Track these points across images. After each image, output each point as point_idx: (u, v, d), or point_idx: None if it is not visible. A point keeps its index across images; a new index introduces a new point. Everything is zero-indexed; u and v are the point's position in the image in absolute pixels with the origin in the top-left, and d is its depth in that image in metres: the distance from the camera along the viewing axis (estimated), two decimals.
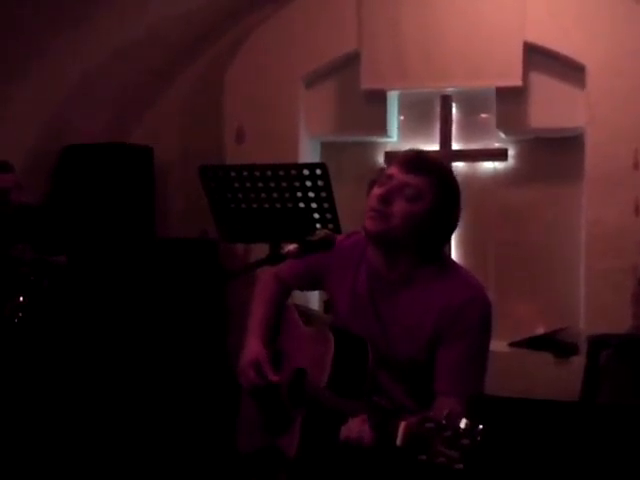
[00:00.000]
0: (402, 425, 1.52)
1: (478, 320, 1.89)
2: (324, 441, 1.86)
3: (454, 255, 5.06)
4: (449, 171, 1.97)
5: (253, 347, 2.13)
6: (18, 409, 3.56)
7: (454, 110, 5.13)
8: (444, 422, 1.46)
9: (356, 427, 1.68)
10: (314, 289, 2.26)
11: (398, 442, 1.51)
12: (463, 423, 1.44)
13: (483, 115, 5.11)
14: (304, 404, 1.94)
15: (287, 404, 2.01)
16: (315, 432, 1.89)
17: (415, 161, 1.89)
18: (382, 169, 2.00)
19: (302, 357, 2.04)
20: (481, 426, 1.44)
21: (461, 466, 1.43)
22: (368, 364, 1.90)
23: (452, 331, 1.86)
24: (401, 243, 1.90)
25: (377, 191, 1.88)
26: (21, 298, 3.65)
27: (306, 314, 2.23)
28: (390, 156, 4.98)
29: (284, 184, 3.60)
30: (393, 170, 1.89)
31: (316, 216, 3.62)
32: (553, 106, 4.81)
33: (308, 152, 5.23)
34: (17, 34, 4.35)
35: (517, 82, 4.73)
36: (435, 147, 5.10)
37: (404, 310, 1.93)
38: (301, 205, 3.61)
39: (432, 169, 1.89)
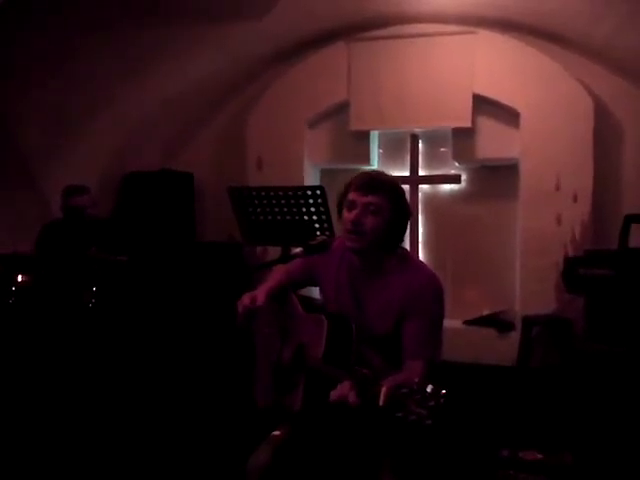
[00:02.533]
0: (383, 390, 1.51)
1: (433, 299, 1.89)
2: (322, 399, 1.85)
3: (422, 255, 5.11)
4: (397, 184, 1.94)
5: (257, 292, 2.08)
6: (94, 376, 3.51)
7: (420, 145, 5.14)
8: (415, 387, 1.47)
9: (343, 390, 1.67)
10: (310, 285, 2.21)
11: (380, 402, 1.51)
12: (429, 388, 1.46)
13: (442, 149, 5.09)
14: (304, 371, 1.93)
15: (291, 370, 2.00)
16: (314, 392, 1.88)
17: (370, 183, 1.87)
18: (342, 194, 1.94)
19: (302, 334, 2.03)
20: (444, 391, 1.45)
21: (429, 422, 1.44)
22: (352, 341, 1.89)
23: (413, 309, 1.86)
24: (372, 246, 1.90)
25: (349, 216, 1.87)
26: (94, 288, 3.66)
27: (305, 301, 2.21)
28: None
29: (292, 201, 3.57)
30: (354, 196, 1.87)
31: (316, 226, 3.61)
32: (495, 142, 4.81)
33: (310, 177, 5.23)
34: (88, 87, 4.37)
35: (468, 124, 4.75)
36: (406, 173, 5.13)
37: (375, 294, 1.94)
38: (305, 217, 3.59)
39: (384, 187, 1.88)
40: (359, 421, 1.84)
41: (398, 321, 1.89)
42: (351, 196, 1.88)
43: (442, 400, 1.45)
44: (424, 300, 1.87)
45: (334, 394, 1.70)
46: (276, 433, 1.97)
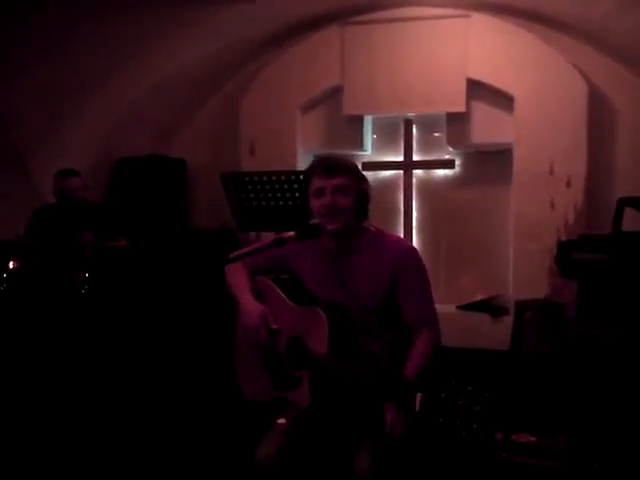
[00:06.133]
0: (418, 395, 1.51)
1: (416, 263, 1.94)
2: (332, 393, 1.85)
3: (415, 240, 5.10)
4: (351, 162, 1.99)
5: (254, 307, 2.02)
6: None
7: (414, 130, 5.13)
8: (454, 390, 1.46)
9: (394, 417, 1.68)
10: (275, 273, 2.17)
11: (417, 408, 1.51)
12: (469, 391, 1.45)
13: (436, 134, 5.09)
14: (306, 367, 1.88)
15: (288, 368, 1.95)
16: (323, 386, 1.86)
17: (332, 166, 1.91)
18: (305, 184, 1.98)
19: (294, 328, 1.97)
20: (487, 394, 1.44)
21: (475, 426, 1.42)
22: (354, 334, 1.87)
23: (401, 277, 1.90)
24: (348, 225, 1.93)
25: (322, 202, 1.89)
26: (87, 274, 3.63)
27: (287, 286, 2.13)
28: (366, 165, 4.99)
29: (285, 186, 3.54)
30: (321, 182, 1.90)
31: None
32: (489, 127, 4.80)
33: (303, 162, 5.15)
34: (79, 72, 4.34)
35: (462, 109, 4.73)
36: (400, 158, 5.12)
37: (357, 273, 1.95)
38: (298, 202, 3.58)
39: (345, 168, 1.93)
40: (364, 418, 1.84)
41: (386, 294, 1.91)
42: (317, 183, 1.91)
43: (486, 403, 1.43)
44: (410, 267, 1.93)
45: (390, 425, 1.69)
46: (281, 421, 1.94)
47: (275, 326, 1.99)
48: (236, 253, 1.99)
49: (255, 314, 2.00)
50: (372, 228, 2.02)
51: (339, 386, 1.78)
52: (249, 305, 2.03)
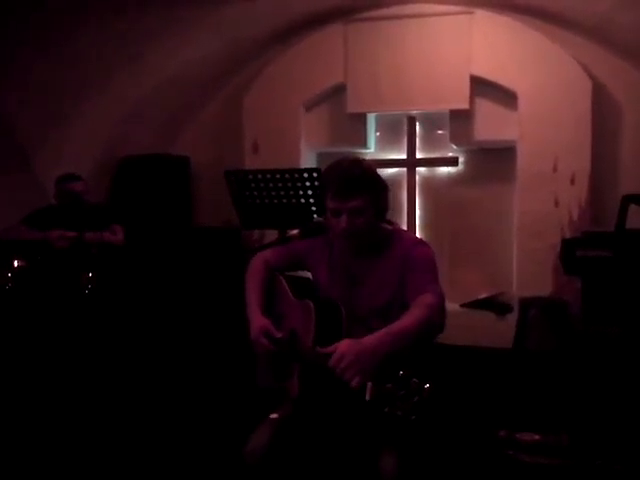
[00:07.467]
0: (369, 385, 1.52)
1: (423, 252, 1.92)
2: (316, 384, 1.87)
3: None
4: (369, 173, 1.90)
5: (258, 320, 2.04)
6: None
7: (417, 127, 5.12)
8: (400, 381, 1.47)
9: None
10: (295, 270, 2.17)
11: (367, 397, 1.52)
12: (413, 382, 1.46)
13: (439, 131, 5.07)
14: (298, 358, 1.92)
15: (286, 356, 1.99)
16: (309, 378, 1.89)
17: (347, 188, 1.84)
18: (322, 190, 1.94)
19: (294, 320, 2.01)
20: (427, 385, 1.45)
21: (413, 417, 1.45)
22: (342, 326, 1.87)
23: (409, 264, 1.88)
24: (366, 233, 1.93)
25: (338, 223, 1.87)
26: (90, 274, 3.63)
27: (294, 282, 2.17)
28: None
29: (289, 184, 3.53)
30: (335, 204, 1.85)
31: (313, 209, 3.60)
32: (493, 124, 4.79)
33: (307, 160, 5.19)
34: (83, 72, 4.35)
35: (465, 106, 4.72)
36: (403, 156, 5.11)
37: (371, 272, 1.96)
38: (302, 200, 3.58)
39: (361, 188, 1.85)
40: (350, 412, 1.85)
41: (394, 295, 1.90)
42: (332, 204, 1.87)
43: (426, 394, 1.45)
44: (416, 255, 1.90)
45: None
46: (274, 415, 1.97)
47: (279, 335, 2.00)
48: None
49: (256, 328, 2.02)
50: (390, 227, 2.01)
51: (324, 378, 1.76)
52: (253, 319, 2.06)
